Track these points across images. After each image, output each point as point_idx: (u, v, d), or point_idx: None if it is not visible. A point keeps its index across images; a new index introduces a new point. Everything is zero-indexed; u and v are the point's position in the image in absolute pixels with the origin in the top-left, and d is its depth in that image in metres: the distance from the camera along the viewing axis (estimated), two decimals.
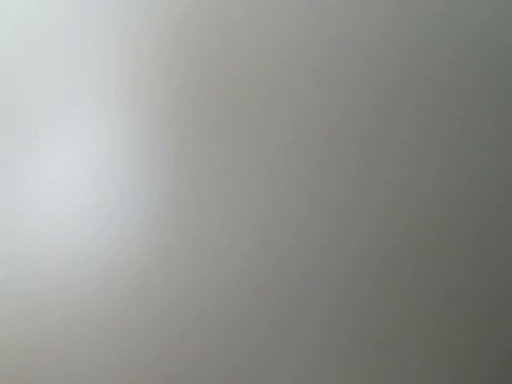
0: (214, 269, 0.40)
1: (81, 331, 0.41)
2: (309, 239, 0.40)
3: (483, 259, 0.40)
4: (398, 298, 0.40)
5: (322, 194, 0.40)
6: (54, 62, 0.42)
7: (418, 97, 0.40)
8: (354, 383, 0.40)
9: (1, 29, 0.43)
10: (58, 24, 0.43)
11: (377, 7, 0.41)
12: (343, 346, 0.40)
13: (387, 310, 0.40)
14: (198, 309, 0.40)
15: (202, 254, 0.40)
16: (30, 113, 0.42)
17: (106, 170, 0.41)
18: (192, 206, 0.41)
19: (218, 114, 0.41)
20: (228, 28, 0.41)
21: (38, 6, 0.43)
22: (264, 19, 0.41)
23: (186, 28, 0.42)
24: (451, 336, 0.40)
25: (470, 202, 0.40)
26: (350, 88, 0.41)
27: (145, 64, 0.42)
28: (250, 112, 0.41)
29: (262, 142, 0.41)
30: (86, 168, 0.41)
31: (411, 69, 0.41)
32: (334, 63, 0.41)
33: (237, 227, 0.40)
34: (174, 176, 0.41)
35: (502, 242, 0.40)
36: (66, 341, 0.41)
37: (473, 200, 0.40)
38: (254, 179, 0.40)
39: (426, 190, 0.40)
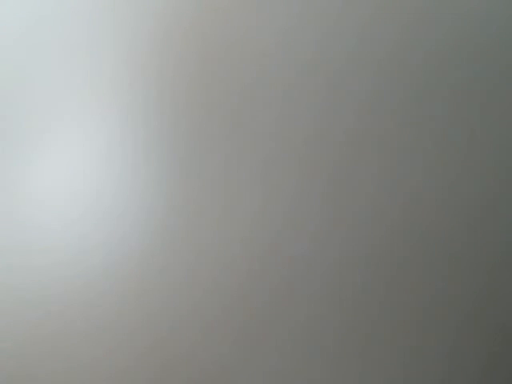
0: (209, 264, 0.40)
1: (79, 324, 0.41)
2: (299, 237, 0.40)
3: (472, 256, 0.40)
4: (386, 294, 0.40)
5: (313, 192, 0.40)
6: (53, 63, 0.42)
7: (404, 93, 0.40)
8: (341, 376, 0.40)
9: (1, 29, 0.43)
10: (57, 24, 0.42)
11: (361, 4, 0.41)
12: (331, 339, 0.40)
13: (375, 305, 0.40)
14: (193, 303, 0.40)
15: (197, 250, 0.40)
16: (30, 112, 0.42)
17: (103, 167, 0.41)
18: (187, 203, 0.41)
19: (213, 114, 0.41)
20: (224, 28, 0.41)
21: (38, 8, 0.43)
22: (259, 20, 0.41)
23: (182, 28, 0.42)
24: (439, 332, 0.40)
25: (458, 199, 0.40)
26: (343, 87, 0.41)
27: (141, 64, 0.42)
28: (244, 112, 0.41)
29: (255, 142, 0.41)
30: (85, 165, 0.41)
31: (396, 66, 0.40)
32: (323, 63, 0.41)
33: (231, 224, 0.40)
34: (170, 174, 0.41)
35: (490, 239, 0.40)
36: (65, 333, 0.41)
37: (460, 197, 0.40)
38: (247, 177, 0.40)
39: (413, 187, 0.40)
